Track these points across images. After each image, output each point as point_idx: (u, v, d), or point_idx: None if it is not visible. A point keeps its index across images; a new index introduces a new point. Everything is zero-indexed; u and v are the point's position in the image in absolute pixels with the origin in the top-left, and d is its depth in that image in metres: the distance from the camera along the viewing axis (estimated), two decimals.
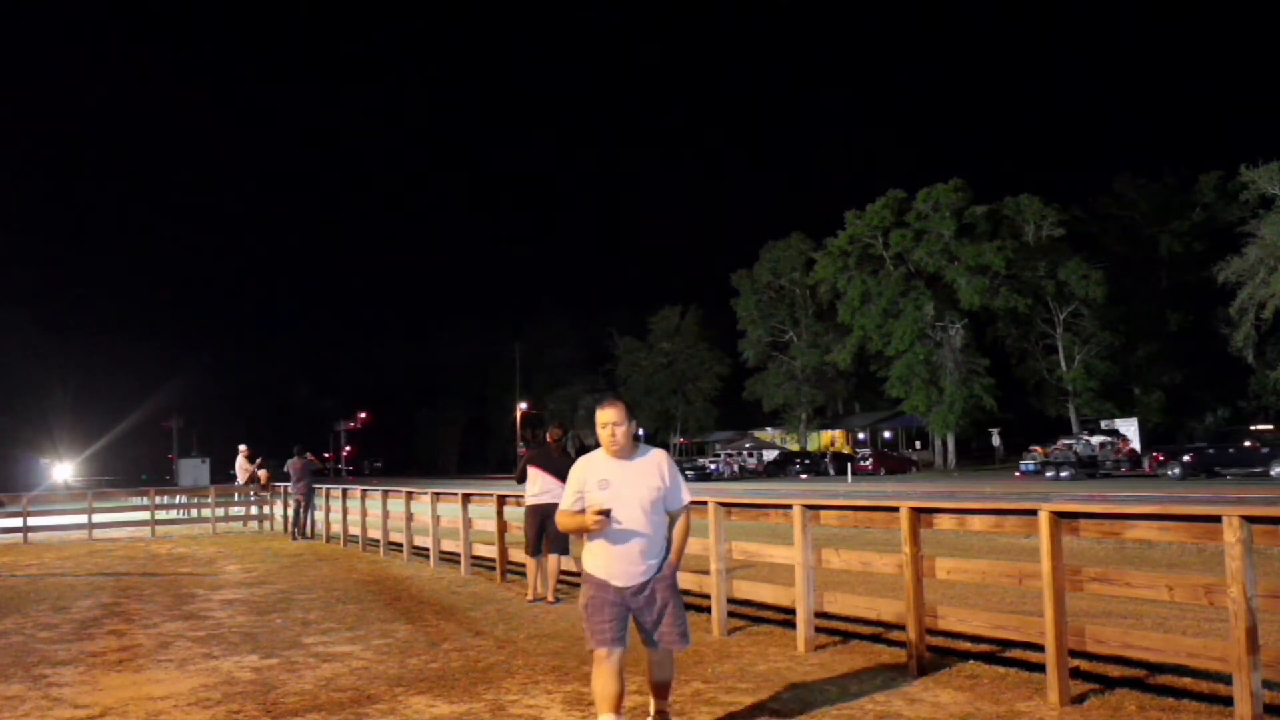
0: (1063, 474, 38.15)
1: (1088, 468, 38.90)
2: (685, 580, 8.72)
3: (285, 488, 21.42)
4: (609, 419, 4.58)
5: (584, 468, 4.71)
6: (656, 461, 4.68)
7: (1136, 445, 43.22)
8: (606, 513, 4.50)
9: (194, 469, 68.86)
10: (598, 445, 4.75)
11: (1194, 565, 11.11)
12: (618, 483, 4.57)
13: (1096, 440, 41.04)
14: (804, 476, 52.73)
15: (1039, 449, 42.89)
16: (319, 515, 19.88)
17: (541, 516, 9.91)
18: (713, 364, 78.88)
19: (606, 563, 4.65)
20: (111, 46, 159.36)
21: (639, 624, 4.76)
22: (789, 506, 7.39)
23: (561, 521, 4.85)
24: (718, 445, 71.50)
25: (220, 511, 23.44)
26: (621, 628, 4.65)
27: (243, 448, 23.84)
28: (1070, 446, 40.60)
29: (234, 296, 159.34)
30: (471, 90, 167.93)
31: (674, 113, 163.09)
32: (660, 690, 4.99)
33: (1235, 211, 49.22)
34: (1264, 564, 5.70)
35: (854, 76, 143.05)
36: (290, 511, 20.58)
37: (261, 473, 23.40)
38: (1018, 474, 42.21)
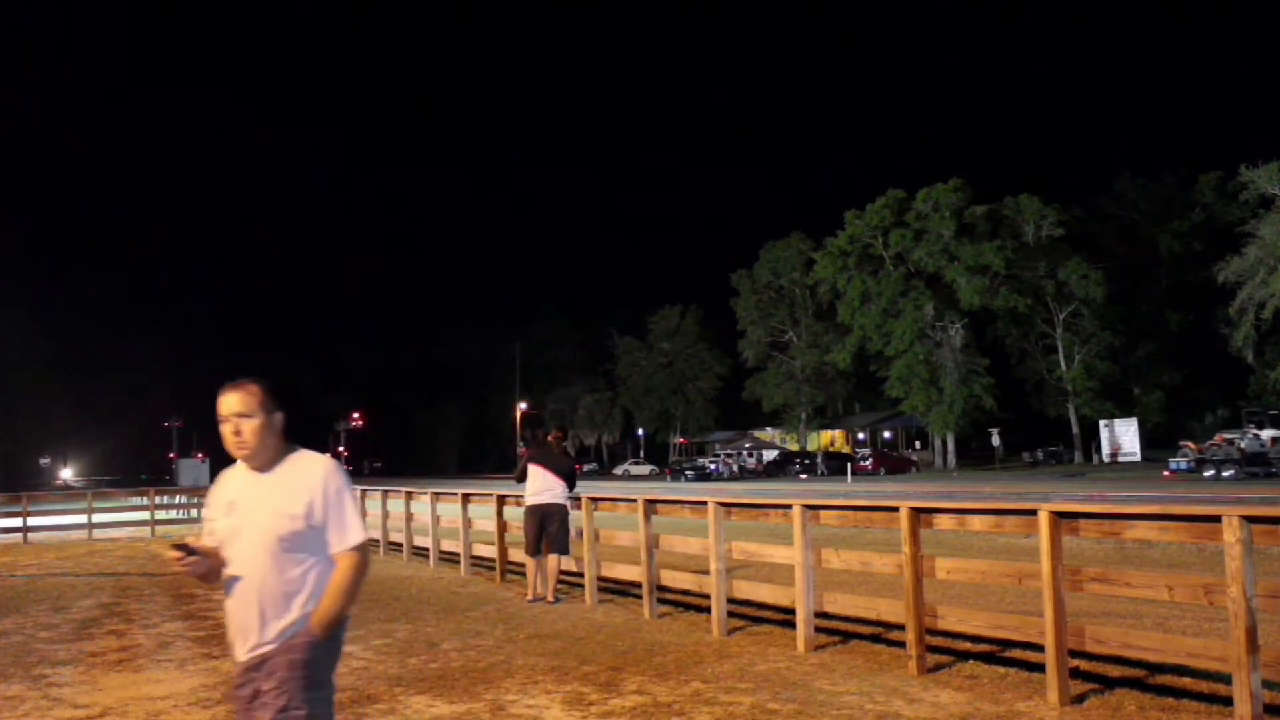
0: (1224, 473, 33.15)
1: (1255, 466, 33.64)
2: (684, 580, 8.70)
3: None
4: (229, 408, 3.08)
5: (217, 484, 3.26)
6: (308, 476, 3.12)
7: (1136, 444, 42.12)
8: (186, 549, 3.09)
9: (194, 469, 68.90)
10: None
11: (1194, 565, 11.09)
12: (244, 505, 3.11)
13: (1267, 434, 35.54)
14: (804, 476, 52.79)
15: (1193, 445, 37.49)
16: None
17: (541, 516, 9.93)
18: (712, 364, 78.95)
19: (229, 626, 3.23)
20: (113, 46, 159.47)
21: None
22: (789, 506, 7.38)
23: None
24: (717, 445, 71.52)
25: None
26: None
27: None
28: (1233, 442, 35.35)
29: (234, 296, 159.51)
30: (471, 90, 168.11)
31: (674, 112, 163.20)
32: None
33: (1235, 211, 49.26)
34: (1264, 564, 5.70)
35: (854, 76, 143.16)
36: None
37: None
38: (1167, 473, 36.58)
